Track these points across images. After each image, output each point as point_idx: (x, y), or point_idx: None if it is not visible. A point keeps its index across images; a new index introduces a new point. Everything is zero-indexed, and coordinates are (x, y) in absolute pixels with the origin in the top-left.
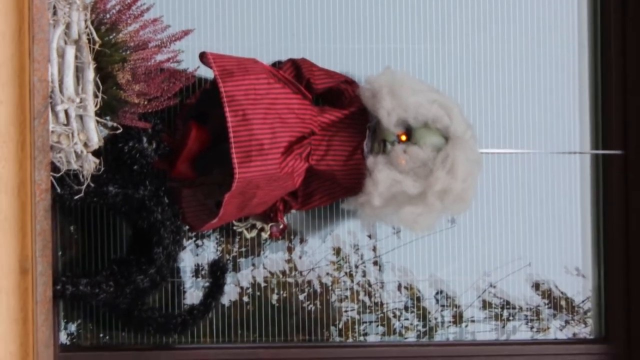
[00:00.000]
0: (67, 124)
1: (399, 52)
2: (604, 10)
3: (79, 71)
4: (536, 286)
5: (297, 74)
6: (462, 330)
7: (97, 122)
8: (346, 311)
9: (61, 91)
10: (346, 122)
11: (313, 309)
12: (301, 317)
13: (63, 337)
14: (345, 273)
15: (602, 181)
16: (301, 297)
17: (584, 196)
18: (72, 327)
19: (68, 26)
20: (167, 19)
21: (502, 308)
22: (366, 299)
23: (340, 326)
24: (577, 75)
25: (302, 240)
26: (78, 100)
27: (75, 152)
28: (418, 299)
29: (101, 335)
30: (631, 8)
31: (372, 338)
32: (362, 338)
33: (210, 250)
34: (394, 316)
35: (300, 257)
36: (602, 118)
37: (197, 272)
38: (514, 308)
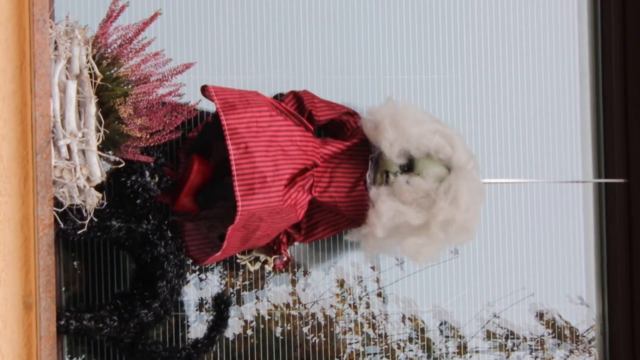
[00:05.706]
0: (70, 158)
1: (400, 82)
2: (605, 38)
3: (80, 106)
4: (540, 316)
5: (298, 106)
6: None
7: (100, 156)
8: (350, 343)
9: (63, 126)
10: (348, 153)
11: (317, 341)
12: (305, 349)
13: None
14: (349, 305)
15: (605, 210)
16: (305, 329)
17: (587, 225)
18: None
19: (69, 61)
20: (169, 52)
21: (506, 338)
22: (370, 331)
23: (344, 358)
24: (579, 104)
25: (305, 273)
26: (80, 134)
27: (78, 186)
28: (422, 330)
29: None
30: (632, 36)
31: None
32: None
33: (213, 283)
34: (399, 348)
35: (303, 290)
36: (604, 147)
37: (201, 305)
38: (517, 338)
